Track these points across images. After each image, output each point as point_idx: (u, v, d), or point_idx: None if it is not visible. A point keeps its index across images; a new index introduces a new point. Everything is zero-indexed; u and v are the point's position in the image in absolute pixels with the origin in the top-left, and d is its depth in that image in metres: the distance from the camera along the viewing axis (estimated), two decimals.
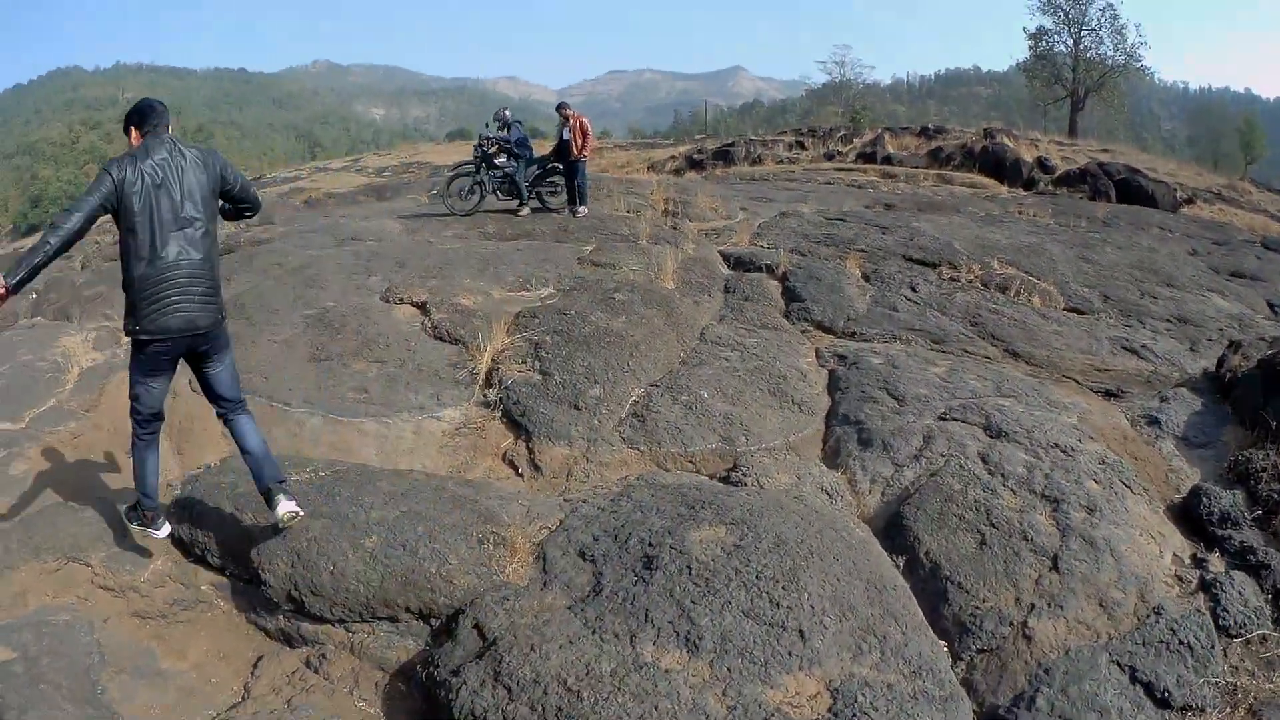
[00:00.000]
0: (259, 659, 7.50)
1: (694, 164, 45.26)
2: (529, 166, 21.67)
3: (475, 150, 22.35)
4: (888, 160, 37.37)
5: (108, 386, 11.95)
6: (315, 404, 11.09)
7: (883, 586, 6.96)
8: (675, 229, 19.67)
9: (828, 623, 6.30)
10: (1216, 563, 7.65)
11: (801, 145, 44.84)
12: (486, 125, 22.53)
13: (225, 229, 25.08)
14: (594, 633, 6.36)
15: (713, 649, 6.07)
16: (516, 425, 10.65)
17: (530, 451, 10.20)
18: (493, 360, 11.89)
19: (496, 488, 9.14)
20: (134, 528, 8.04)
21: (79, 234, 6.60)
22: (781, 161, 41.92)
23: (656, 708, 5.64)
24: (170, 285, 6.69)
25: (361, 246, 18.24)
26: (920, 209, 23.92)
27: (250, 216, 7.87)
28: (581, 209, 20.82)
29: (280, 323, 13.22)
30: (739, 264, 17.28)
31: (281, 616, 7.68)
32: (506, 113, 22.11)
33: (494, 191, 22.17)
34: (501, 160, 21.72)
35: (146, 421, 7.42)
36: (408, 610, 7.33)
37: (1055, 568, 7.24)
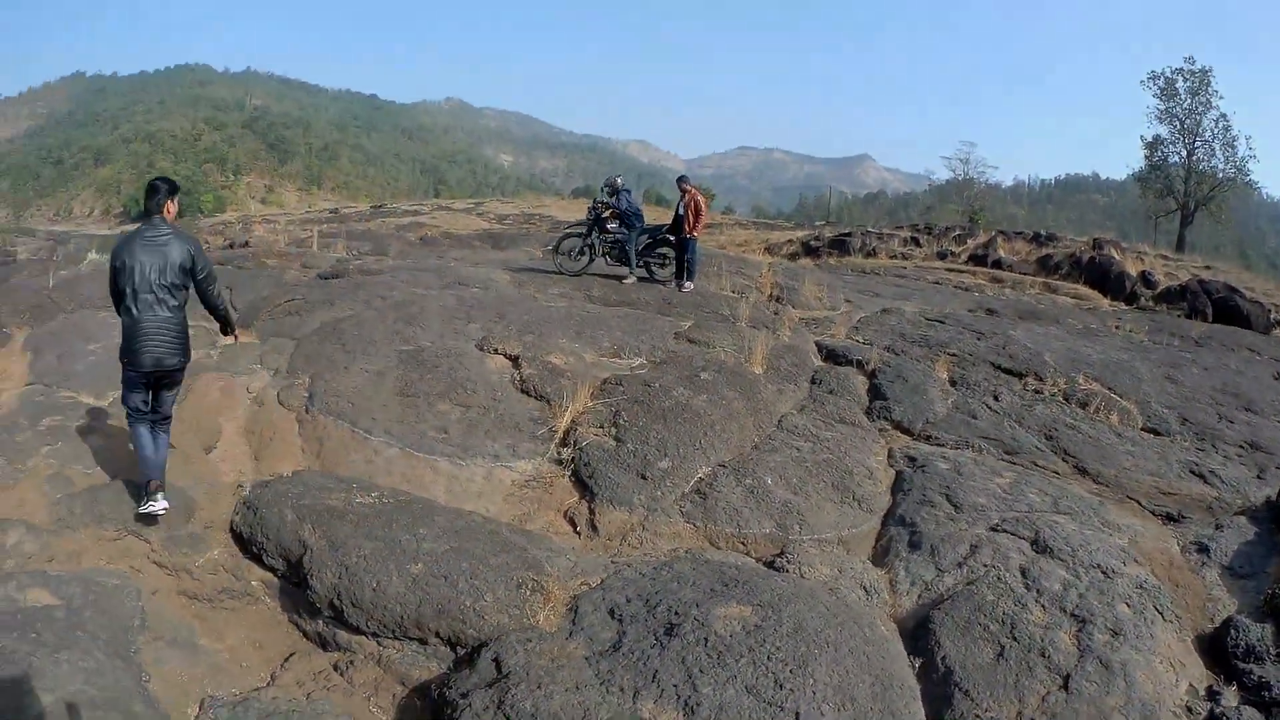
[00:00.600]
0: (291, 654, 8.03)
1: (809, 250, 45.23)
2: (640, 235, 21.93)
3: (589, 212, 22.46)
4: (998, 264, 37.07)
5: (196, 384, 12.66)
6: (395, 436, 11.54)
7: (890, 684, 7.07)
8: (776, 314, 19.76)
9: (825, 710, 6.45)
10: (1231, 696, 7.62)
11: (916, 241, 44.55)
12: (601, 190, 22.65)
13: (335, 254, 25.75)
14: (601, 683, 6.66)
15: (708, 716, 6.29)
16: (583, 485, 10.92)
17: (591, 512, 10.44)
18: (572, 420, 12.19)
19: (549, 541, 9.51)
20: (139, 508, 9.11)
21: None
22: (895, 256, 41.77)
23: None
24: (143, 335, 8.72)
25: (467, 292, 18.66)
26: (1020, 316, 23.72)
27: (214, 305, 9.43)
28: (688, 284, 20.94)
29: (375, 354, 13.76)
30: (831, 355, 17.31)
31: (321, 621, 8.18)
32: (619, 180, 22.23)
33: (603, 255, 22.34)
34: (614, 226, 21.91)
35: (135, 410, 9.09)
36: (437, 635, 7.74)
37: (1065, 686, 7.27)
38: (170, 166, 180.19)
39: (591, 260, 22.41)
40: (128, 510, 9.05)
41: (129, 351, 8.80)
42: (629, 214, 21.52)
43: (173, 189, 9.05)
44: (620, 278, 21.53)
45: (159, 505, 8.93)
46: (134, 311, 8.73)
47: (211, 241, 47.80)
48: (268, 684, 7.55)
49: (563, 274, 22.00)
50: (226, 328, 9.61)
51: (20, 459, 9.88)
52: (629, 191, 21.92)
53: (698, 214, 20.63)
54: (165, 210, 8.91)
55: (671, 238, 21.75)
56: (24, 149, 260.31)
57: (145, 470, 9.04)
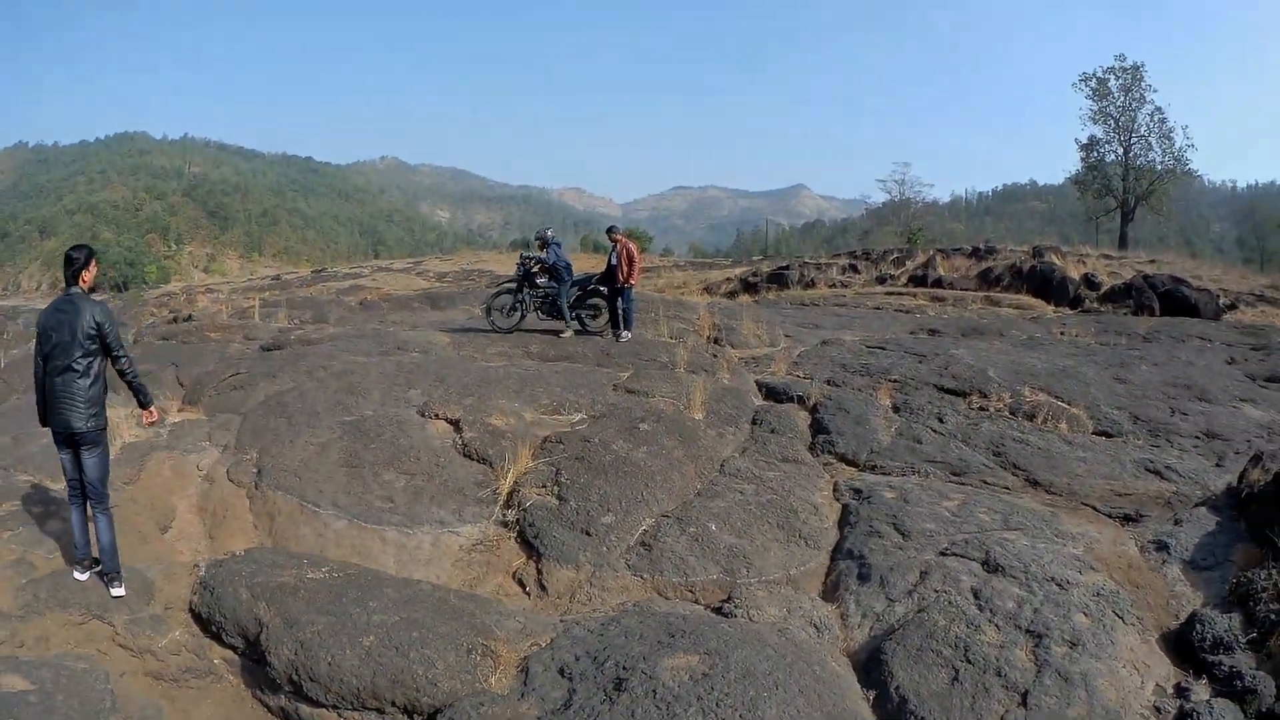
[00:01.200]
0: None
1: (748, 286, 45.54)
2: (571, 288, 21.91)
3: (518, 268, 22.50)
4: (938, 283, 37.42)
5: (148, 463, 12.63)
6: (342, 508, 11.59)
7: (842, 719, 7.12)
8: (715, 356, 19.87)
9: None
10: (1201, 690, 7.68)
11: (855, 268, 44.92)
12: (532, 243, 22.92)
13: (277, 324, 25.72)
14: None
15: None
16: (530, 546, 10.99)
17: (539, 572, 10.52)
18: (515, 482, 12.23)
19: (497, 604, 9.56)
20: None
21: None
22: (834, 285, 42.11)
23: None
24: (54, 397, 8.93)
25: (406, 357, 18.73)
26: (963, 334, 24.08)
27: (121, 371, 9.30)
28: (625, 334, 20.93)
29: (319, 425, 13.77)
30: (771, 394, 17.47)
31: (282, 696, 8.23)
32: (549, 232, 22.09)
33: (535, 310, 22.33)
34: (543, 280, 21.92)
35: (69, 482, 9.33)
36: (393, 704, 7.80)
37: (1024, 703, 7.31)
38: (113, 237, 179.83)
39: (523, 316, 22.43)
40: (91, 595, 9.07)
41: (42, 414, 9.15)
42: (558, 267, 21.44)
43: (89, 257, 9.12)
44: (557, 332, 21.51)
45: (78, 575, 9.26)
46: (45, 376, 8.99)
47: (156, 314, 47.61)
48: None
49: (497, 331, 22.01)
50: (140, 398, 9.47)
51: None
52: (559, 245, 21.86)
53: (631, 262, 20.64)
54: (81, 279, 9.00)
55: (603, 288, 21.76)
56: None
57: (75, 551, 9.35)
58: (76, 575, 9.24)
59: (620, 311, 21.14)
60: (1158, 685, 7.83)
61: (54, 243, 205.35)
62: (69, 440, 9.05)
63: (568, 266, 21.76)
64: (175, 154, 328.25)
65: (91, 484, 9.08)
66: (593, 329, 22.04)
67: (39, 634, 8.49)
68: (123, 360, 9.03)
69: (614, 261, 20.81)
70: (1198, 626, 8.40)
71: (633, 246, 20.95)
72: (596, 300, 22.15)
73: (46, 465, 11.88)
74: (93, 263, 9.15)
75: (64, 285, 9.13)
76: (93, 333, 8.77)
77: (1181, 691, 7.70)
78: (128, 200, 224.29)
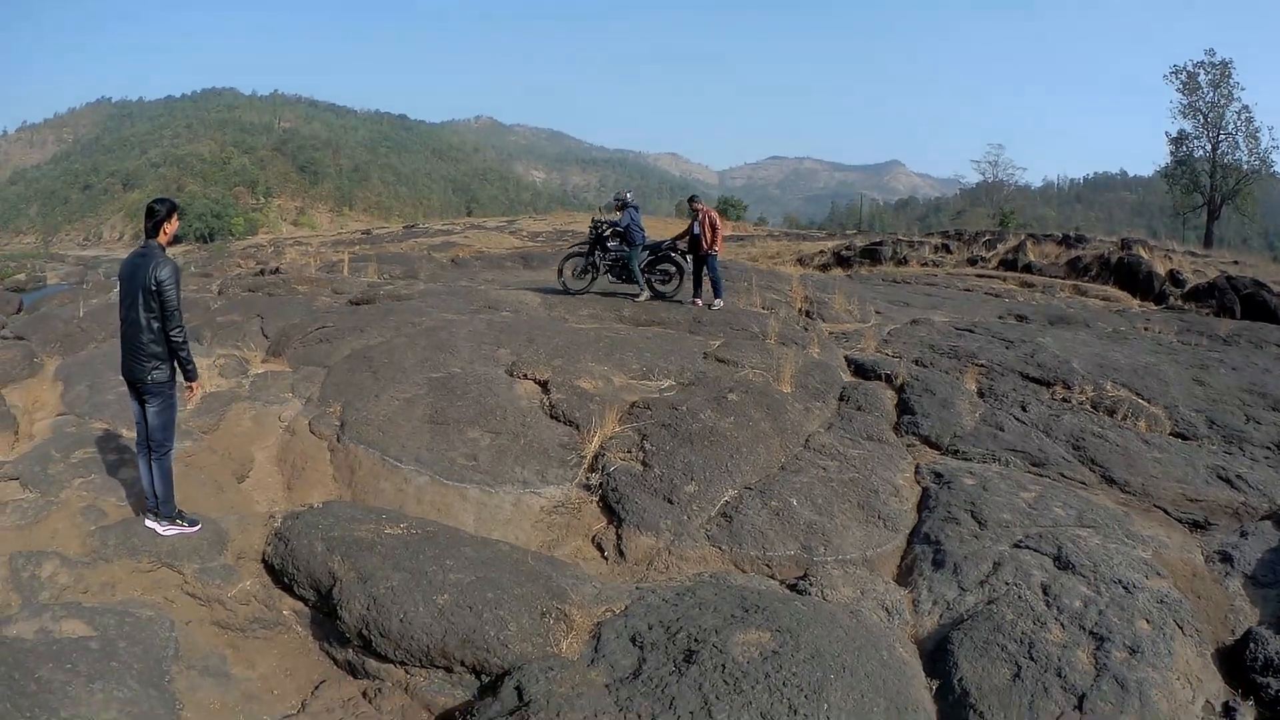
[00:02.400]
0: (322, 682, 8.20)
1: (841, 260, 45.30)
2: (642, 251, 21.91)
3: (590, 231, 22.60)
4: (1028, 269, 36.87)
5: (228, 414, 12.90)
6: (425, 464, 11.74)
7: (905, 707, 7.12)
8: (806, 329, 19.73)
9: None
10: (1247, 711, 7.58)
11: (947, 249, 44.40)
12: (611, 203, 22.90)
13: (366, 279, 25.89)
14: (619, 710, 6.77)
15: None
16: (611, 511, 11.06)
17: (618, 538, 10.57)
18: (600, 445, 12.32)
19: (574, 568, 9.61)
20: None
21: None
22: (926, 264, 41.65)
23: None
24: (122, 346, 9.20)
25: (497, 316, 18.81)
26: (1050, 322, 23.68)
27: (167, 336, 9.22)
28: (718, 302, 20.88)
29: (405, 381, 13.92)
30: (860, 370, 17.34)
31: (350, 650, 8.36)
32: (628, 195, 22.16)
33: (606, 273, 22.49)
34: (614, 244, 22.05)
35: (138, 428, 9.51)
36: (462, 664, 7.89)
37: (1079, 706, 7.23)
38: (200, 190, 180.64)
39: (594, 279, 22.63)
40: (163, 542, 9.23)
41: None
42: (631, 230, 21.48)
43: (170, 210, 9.20)
44: (633, 296, 21.57)
45: (149, 522, 9.46)
46: (121, 323, 9.19)
47: (243, 266, 48.01)
48: (298, 711, 7.72)
49: (568, 293, 22.23)
50: (185, 370, 9.37)
51: (53, 490, 10.06)
52: (636, 209, 21.83)
53: (714, 230, 20.68)
54: (161, 231, 9.09)
55: (675, 254, 21.83)
56: (51, 174, 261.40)
57: (147, 500, 9.53)
58: (147, 523, 9.44)
59: (710, 280, 21.11)
60: (1208, 701, 7.72)
61: (137, 194, 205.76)
62: (135, 389, 9.29)
63: (641, 231, 21.76)
64: (265, 109, 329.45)
65: (152, 434, 9.26)
66: (664, 292, 22.03)
67: (106, 580, 8.66)
68: (174, 328, 9.03)
69: (696, 230, 20.79)
70: (1251, 645, 8.27)
71: (715, 214, 20.98)
72: (668, 266, 22.15)
73: (122, 414, 12.12)
74: (174, 216, 9.22)
75: (144, 237, 9.23)
76: (154, 289, 8.86)
77: (1229, 711, 7.60)
78: (215, 154, 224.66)
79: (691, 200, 21.88)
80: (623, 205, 21.74)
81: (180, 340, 9.10)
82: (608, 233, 22.05)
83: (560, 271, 23.43)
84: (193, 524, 9.53)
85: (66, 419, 12.76)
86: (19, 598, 8.14)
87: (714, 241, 20.68)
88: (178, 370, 9.21)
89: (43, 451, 11.18)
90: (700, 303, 20.91)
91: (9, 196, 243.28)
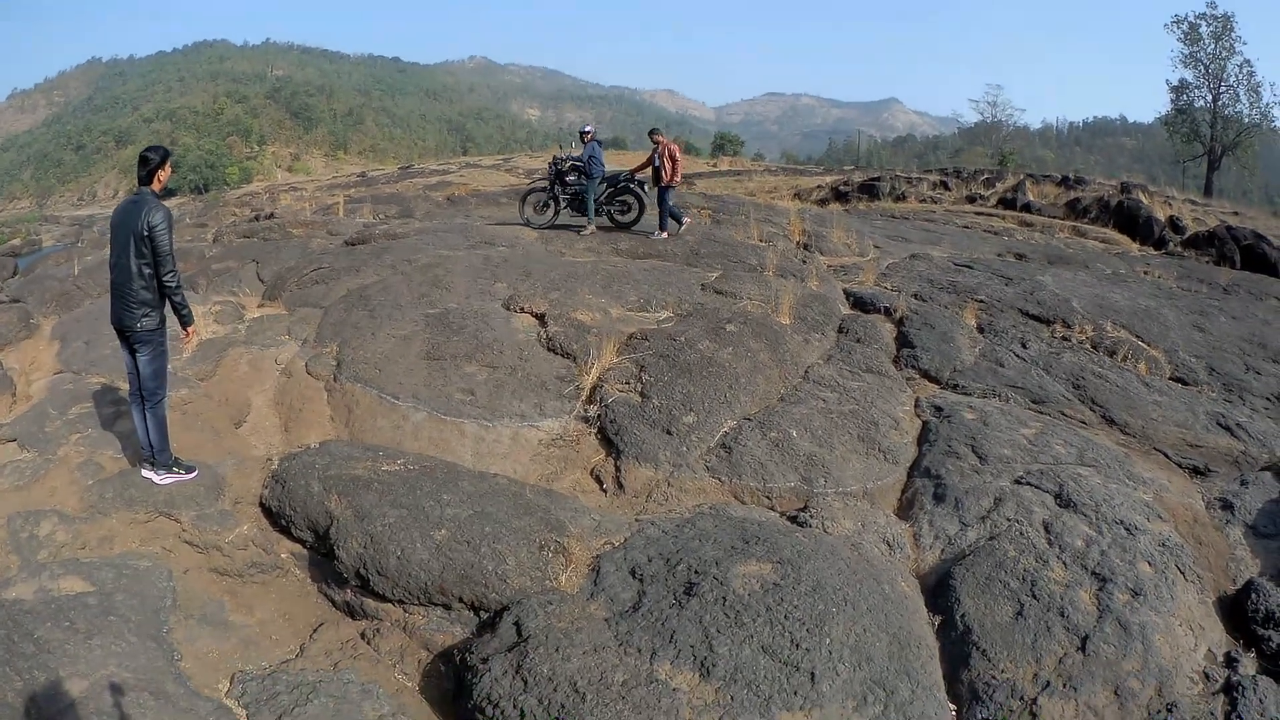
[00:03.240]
0: (320, 625, 8.19)
1: (839, 195, 44.99)
2: (600, 184, 22.19)
3: (550, 167, 22.94)
4: (1026, 208, 36.66)
5: (224, 360, 12.84)
6: (422, 400, 11.69)
7: (907, 643, 7.09)
8: (804, 262, 19.63)
9: (840, 670, 6.53)
10: (1249, 664, 7.50)
11: (945, 186, 44.23)
12: (572, 145, 23.38)
13: (361, 219, 25.84)
14: (619, 644, 6.78)
15: (724, 676, 6.40)
16: (609, 443, 11.02)
17: (617, 469, 10.53)
18: (598, 377, 12.28)
19: (573, 501, 9.59)
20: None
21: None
22: (924, 200, 41.44)
23: None
24: (112, 293, 9.11)
25: (493, 251, 18.68)
26: (1049, 261, 23.55)
27: (161, 282, 9.12)
28: (661, 233, 20.97)
29: (401, 319, 13.85)
30: (859, 303, 17.28)
31: (348, 591, 8.33)
32: (590, 129, 22.52)
33: (566, 207, 22.80)
34: (573, 178, 22.31)
35: (130, 378, 9.49)
36: (461, 601, 7.87)
37: (1082, 648, 7.22)
38: (193, 141, 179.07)
39: (557, 212, 22.95)
40: (159, 491, 9.21)
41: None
42: (591, 163, 21.73)
43: (163, 158, 9.09)
44: (579, 229, 21.87)
45: (145, 472, 9.41)
46: (110, 270, 9.14)
47: (238, 214, 47.89)
48: (297, 655, 7.69)
49: (530, 227, 22.63)
50: (180, 315, 9.32)
51: (50, 449, 10.00)
52: (599, 143, 22.17)
53: (674, 162, 20.74)
54: (155, 180, 9.00)
55: (634, 185, 22.12)
56: (43, 137, 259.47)
57: (142, 450, 9.49)
58: (144, 474, 9.41)
59: (663, 211, 21.25)
60: (1209, 650, 7.68)
61: (130, 151, 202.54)
62: (125, 338, 9.21)
63: (601, 164, 22.05)
64: (257, 59, 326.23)
65: (144, 383, 9.22)
66: (622, 222, 22.37)
67: (104, 534, 8.63)
68: (167, 273, 8.93)
69: (657, 163, 20.86)
70: (1253, 596, 8.20)
71: (675, 147, 20.97)
72: (627, 197, 22.41)
73: (118, 366, 11.90)
74: (167, 164, 9.12)
75: (137, 185, 9.11)
76: (146, 234, 8.76)
77: (1231, 662, 7.53)
78: (207, 105, 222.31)
79: (652, 133, 21.83)
80: (588, 139, 22.03)
81: (174, 285, 9.02)
82: (566, 168, 22.40)
83: (522, 207, 23.96)
84: (189, 470, 9.50)
85: (63, 376, 12.67)
86: (17, 559, 8.09)
87: (673, 174, 20.78)
88: (169, 318, 9.15)
89: (40, 410, 11.13)
90: (665, 234, 21.05)
91: (1, 163, 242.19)
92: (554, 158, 22.93)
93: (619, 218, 22.40)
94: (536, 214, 23.15)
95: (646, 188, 22.01)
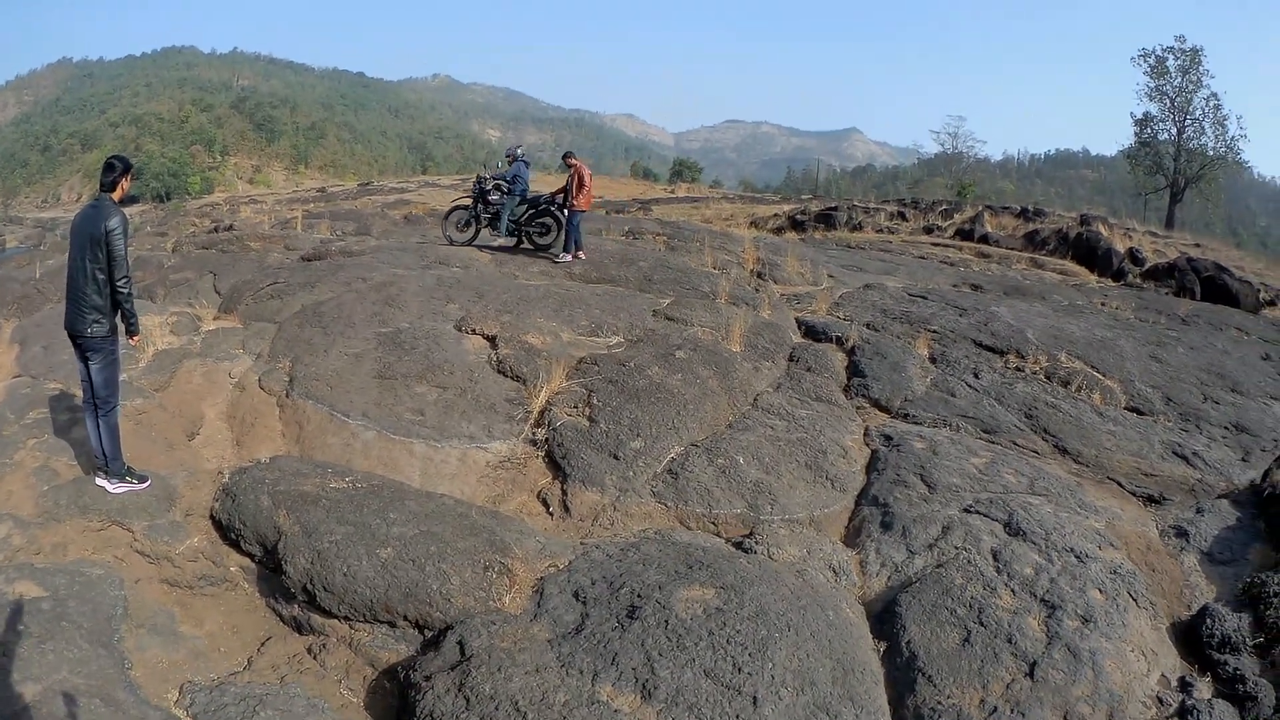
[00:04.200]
0: (268, 639, 8.19)
1: (795, 224, 45.12)
2: (519, 205, 22.46)
3: (474, 186, 23.23)
4: (984, 239, 36.95)
5: (180, 371, 12.72)
6: (372, 419, 11.63)
7: (851, 669, 7.11)
8: (757, 290, 19.67)
9: (783, 694, 6.55)
10: (1204, 689, 7.55)
11: (903, 216, 44.60)
12: (498, 165, 23.80)
13: (319, 235, 25.82)
14: (562, 665, 6.77)
15: (665, 699, 6.41)
16: (556, 466, 11.00)
17: (564, 493, 10.51)
18: (547, 401, 12.27)
19: (519, 523, 9.58)
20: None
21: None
22: (881, 230, 41.72)
23: None
24: (67, 299, 9.12)
25: (447, 272, 18.61)
26: (1005, 292, 23.66)
27: (114, 288, 9.10)
28: (565, 256, 21.12)
29: (354, 336, 13.78)
30: (810, 332, 17.30)
31: (296, 606, 8.31)
32: (519, 150, 22.96)
33: (487, 225, 23.07)
34: (495, 197, 22.55)
35: (84, 385, 9.43)
36: (405, 619, 7.87)
37: (1030, 674, 7.24)
38: (158, 149, 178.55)
39: (478, 231, 23.22)
40: (113, 500, 9.18)
41: None
42: (515, 181, 22.15)
43: (126, 168, 9.12)
44: (550, 254, 21.97)
45: (99, 480, 9.39)
46: (67, 275, 9.14)
47: (198, 224, 47.69)
48: (245, 668, 7.70)
49: (451, 245, 22.88)
50: (128, 323, 9.34)
51: (7, 453, 9.92)
52: (526, 163, 22.56)
53: (581, 186, 20.90)
54: (117, 188, 9.03)
55: (554, 209, 22.24)
56: (10, 137, 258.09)
57: (96, 459, 9.48)
58: (97, 481, 9.37)
59: (567, 232, 21.46)
60: (1163, 675, 7.73)
61: (95, 156, 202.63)
62: (78, 344, 9.18)
63: (521, 184, 22.43)
64: (224, 67, 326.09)
65: (97, 390, 9.19)
66: (539, 244, 22.58)
67: (57, 541, 8.59)
68: (121, 279, 8.92)
69: (567, 185, 21.18)
70: (1208, 621, 8.29)
71: (585, 171, 21.23)
72: (546, 219, 22.60)
73: (75, 374, 11.95)
74: (129, 175, 9.16)
75: (99, 191, 9.12)
76: (102, 237, 8.77)
77: (1185, 686, 7.60)
78: (173, 113, 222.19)
79: (566, 156, 22.32)
80: (513, 159, 22.43)
81: (126, 292, 8.99)
82: (489, 187, 22.67)
83: (445, 224, 24.30)
84: (142, 480, 9.47)
85: (21, 380, 12.54)
86: None
87: (577, 196, 20.95)
88: (120, 326, 9.14)
89: None
90: (570, 257, 21.20)
91: None
92: (478, 176, 23.30)
93: (538, 239, 22.67)
94: (458, 231, 23.47)
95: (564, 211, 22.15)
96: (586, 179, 21.05)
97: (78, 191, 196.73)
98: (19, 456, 9.85)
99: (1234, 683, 7.58)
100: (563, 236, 21.69)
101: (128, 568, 8.53)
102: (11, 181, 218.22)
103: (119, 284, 8.90)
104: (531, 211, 22.44)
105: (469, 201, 23.50)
